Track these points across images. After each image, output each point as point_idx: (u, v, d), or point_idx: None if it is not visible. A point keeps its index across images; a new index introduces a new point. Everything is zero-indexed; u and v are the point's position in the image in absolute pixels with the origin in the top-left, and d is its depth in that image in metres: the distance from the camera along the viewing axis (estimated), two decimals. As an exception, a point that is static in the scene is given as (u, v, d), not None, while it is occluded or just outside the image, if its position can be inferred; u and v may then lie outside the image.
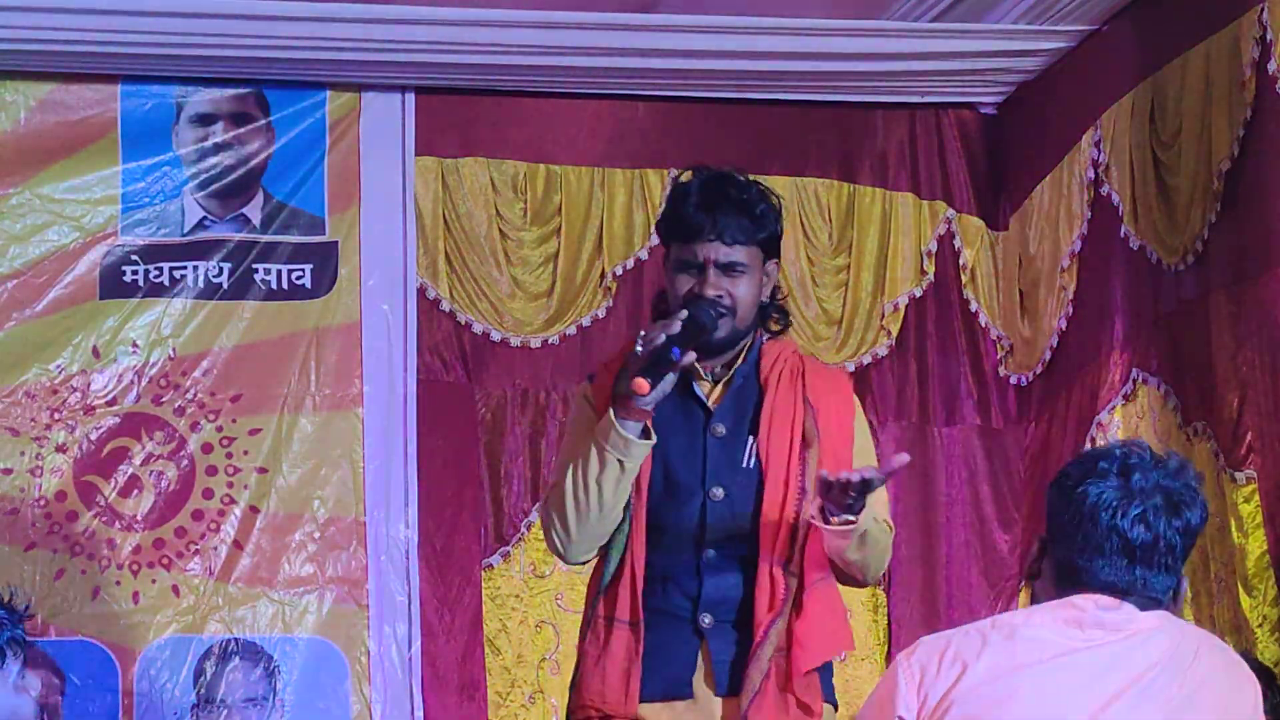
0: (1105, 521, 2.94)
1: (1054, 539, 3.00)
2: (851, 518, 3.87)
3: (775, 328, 4.14)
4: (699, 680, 3.97)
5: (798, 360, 4.10)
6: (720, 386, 4.05)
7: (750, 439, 4.02)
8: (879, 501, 3.99)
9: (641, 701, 3.95)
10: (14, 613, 4.22)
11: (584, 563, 4.07)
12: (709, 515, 3.99)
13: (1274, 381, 5.11)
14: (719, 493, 4.00)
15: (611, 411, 3.90)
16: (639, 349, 3.90)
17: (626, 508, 3.97)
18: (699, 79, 6.39)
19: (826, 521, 3.89)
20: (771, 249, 4.10)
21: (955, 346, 6.54)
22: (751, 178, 4.14)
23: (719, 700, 3.97)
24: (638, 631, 3.93)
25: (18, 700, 4.10)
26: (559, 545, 4.00)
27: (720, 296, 3.99)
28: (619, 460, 3.90)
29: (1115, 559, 2.95)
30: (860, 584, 4.13)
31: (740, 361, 4.07)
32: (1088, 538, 2.95)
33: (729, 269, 4.02)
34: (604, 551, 4.02)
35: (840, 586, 4.09)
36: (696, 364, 3.97)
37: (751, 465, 4.02)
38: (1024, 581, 6.31)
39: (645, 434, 3.92)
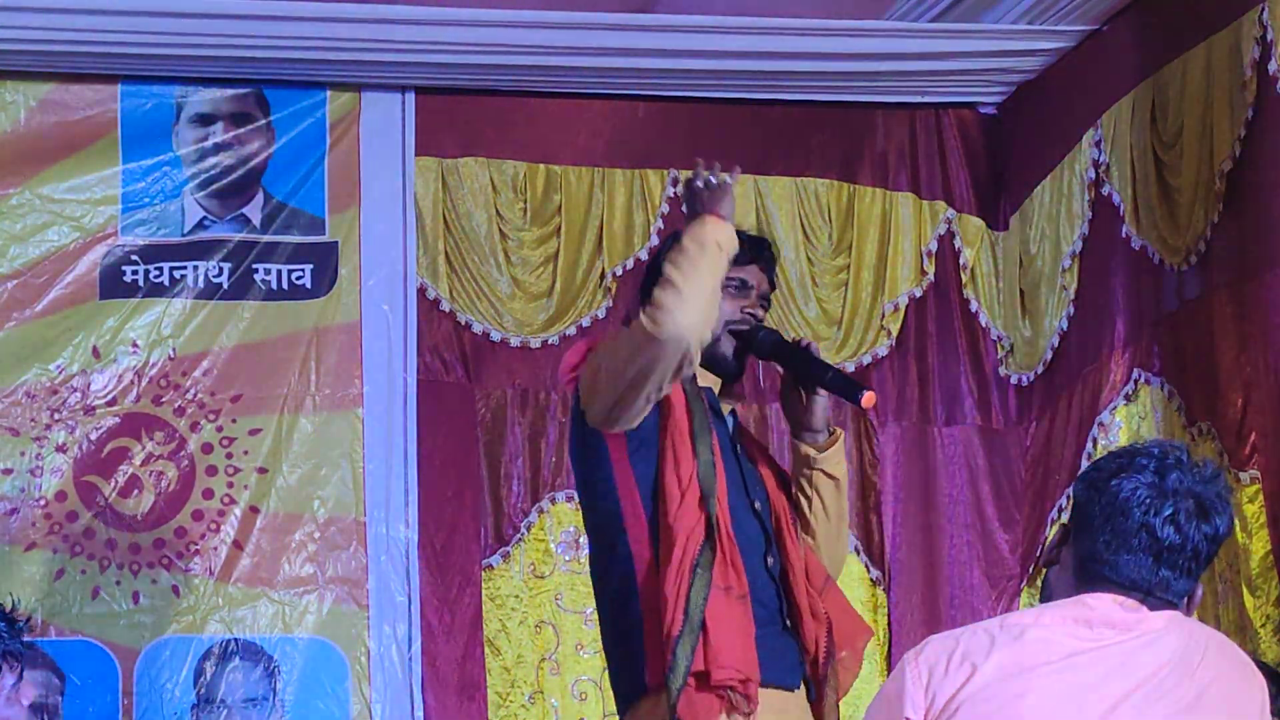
0: (1137, 518, 2.93)
1: (1079, 530, 3.00)
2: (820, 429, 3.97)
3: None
4: (798, 678, 4.01)
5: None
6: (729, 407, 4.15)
7: (752, 465, 4.09)
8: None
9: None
10: (13, 624, 4.22)
11: (685, 346, 3.82)
12: (765, 523, 4.03)
13: (1277, 381, 5.12)
14: (759, 506, 4.04)
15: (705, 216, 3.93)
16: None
17: (714, 493, 3.92)
18: (699, 79, 6.39)
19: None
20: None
21: (956, 346, 6.54)
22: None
23: (808, 703, 4.01)
24: (748, 605, 3.89)
25: (9, 712, 4.11)
26: (669, 307, 3.80)
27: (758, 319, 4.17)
28: (717, 243, 3.89)
29: (1141, 556, 2.94)
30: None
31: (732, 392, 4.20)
32: (1117, 531, 2.94)
33: (763, 301, 4.21)
34: (700, 518, 3.90)
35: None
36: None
37: (762, 495, 4.08)
38: (1032, 573, 6.32)
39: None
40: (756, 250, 4.17)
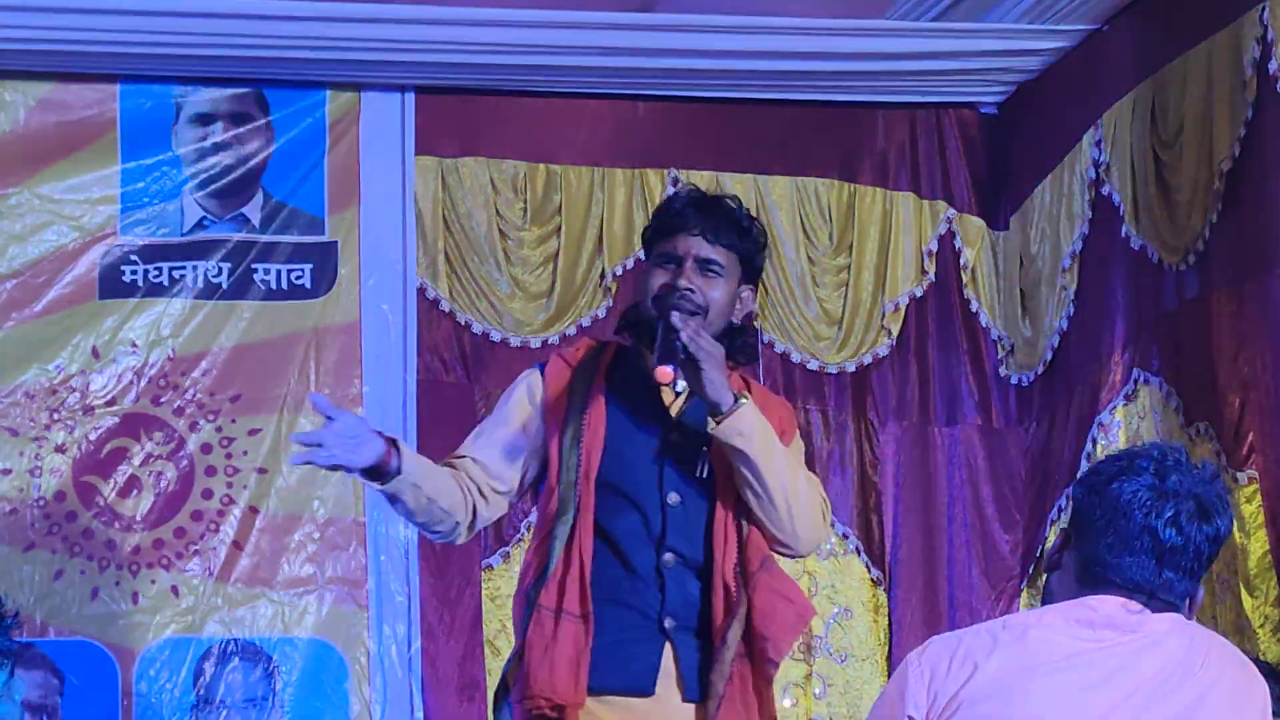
0: (1139, 520, 2.93)
1: (1080, 534, 2.99)
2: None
3: (740, 360, 4.11)
4: (664, 682, 3.95)
5: (743, 383, 4.09)
6: (682, 396, 4.02)
7: (705, 449, 3.99)
8: (788, 459, 4.00)
9: (595, 693, 3.91)
10: (1, 621, 4.22)
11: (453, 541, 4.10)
12: (668, 520, 3.98)
13: (1276, 381, 5.11)
14: (675, 498, 3.99)
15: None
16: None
17: (574, 503, 3.94)
18: (699, 79, 6.39)
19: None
20: (751, 272, 4.10)
21: (956, 346, 6.54)
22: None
23: (688, 706, 3.95)
24: (587, 624, 3.90)
25: (2, 709, 4.11)
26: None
27: (692, 291, 3.98)
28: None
29: (1144, 559, 2.94)
30: (788, 548, 4.05)
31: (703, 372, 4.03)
32: (1119, 534, 2.94)
33: (706, 267, 4.01)
34: (545, 543, 3.97)
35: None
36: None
37: (705, 475, 4.00)
38: (1032, 574, 6.31)
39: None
40: (682, 219, 4.04)
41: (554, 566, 3.93)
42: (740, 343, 4.09)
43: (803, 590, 4.18)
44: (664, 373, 3.83)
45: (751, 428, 3.90)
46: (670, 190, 6.35)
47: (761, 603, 3.96)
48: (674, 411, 4.03)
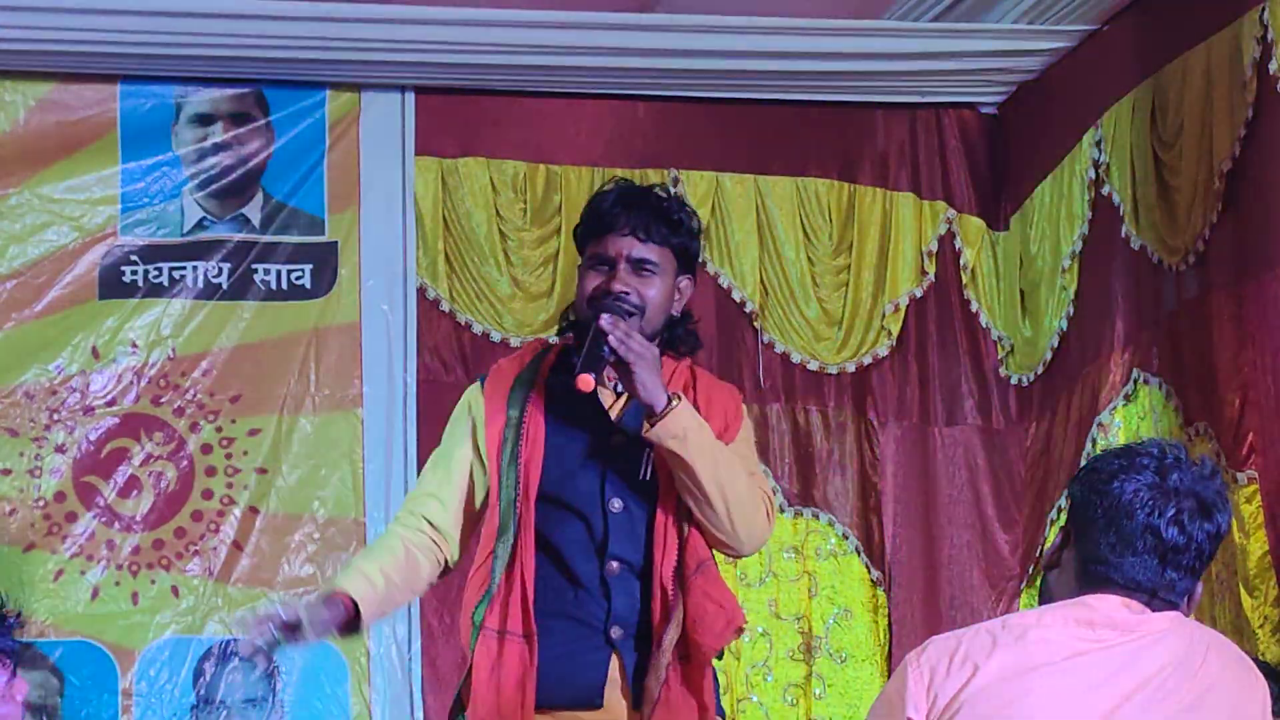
0: (1141, 519, 2.92)
1: (1080, 533, 2.98)
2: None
3: (683, 350, 4.03)
4: (612, 692, 3.89)
5: (689, 373, 4.01)
6: (623, 399, 3.93)
7: (648, 451, 3.91)
8: (729, 458, 3.92)
9: (543, 709, 3.86)
10: (3, 621, 4.21)
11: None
12: (610, 527, 3.90)
13: (1275, 382, 5.11)
14: (618, 504, 3.91)
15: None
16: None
17: (514, 521, 3.88)
18: (699, 79, 6.39)
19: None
20: (686, 262, 4.00)
21: (956, 347, 6.54)
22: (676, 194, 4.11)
23: (638, 714, 3.90)
24: (531, 643, 3.84)
25: (4, 709, 4.10)
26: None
27: (627, 293, 3.89)
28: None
29: (1147, 558, 2.93)
30: (729, 548, 3.97)
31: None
32: (1120, 533, 2.93)
33: (640, 266, 3.91)
34: (486, 562, 3.90)
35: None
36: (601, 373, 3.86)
37: (648, 478, 3.92)
38: (1032, 574, 6.31)
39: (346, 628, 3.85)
40: (611, 219, 3.93)
41: (495, 588, 3.87)
42: (681, 333, 4.01)
43: (736, 597, 4.11)
44: (585, 380, 3.75)
45: (685, 429, 3.82)
46: (671, 190, 6.35)
47: (694, 607, 3.90)
48: (614, 414, 3.93)
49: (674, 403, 3.82)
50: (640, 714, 3.89)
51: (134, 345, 6.17)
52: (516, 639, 3.86)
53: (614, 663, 3.91)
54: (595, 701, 3.89)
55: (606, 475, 3.92)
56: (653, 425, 3.82)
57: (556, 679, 3.87)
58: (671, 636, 3.88)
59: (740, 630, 4.05)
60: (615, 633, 3.90)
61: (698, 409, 3.92)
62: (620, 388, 3.90)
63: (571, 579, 3.90)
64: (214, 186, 6.28)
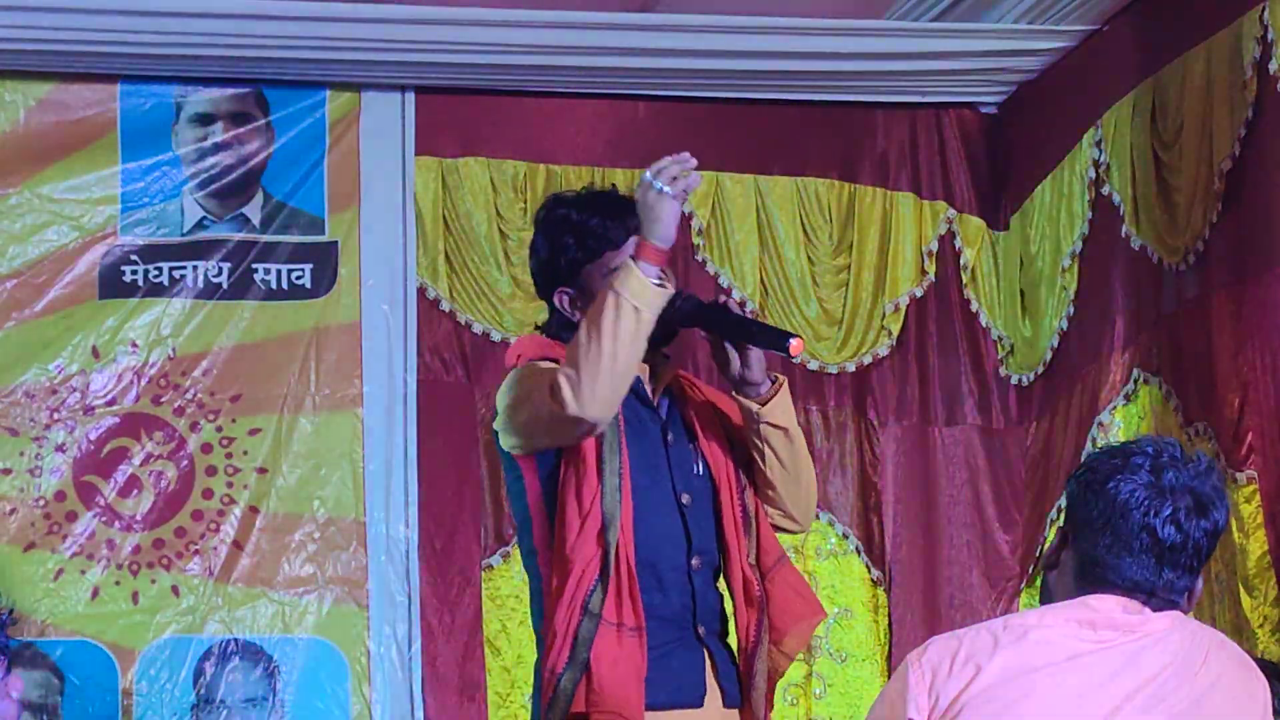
0: (1137, 519, 2.92)
1: (1078, 533, 2.98)
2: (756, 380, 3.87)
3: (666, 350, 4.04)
4: (709, 690, 3.89)
5: (674, 369, 4.03)
6: (657, 395, 3.95)
7: (692, 445, 3.94)
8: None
9: (650, 709, 3.81)
10: (-3, 619, 4.21)
11: (591, 424, 3.69)
12: (689, 522, 3.90)
13: (1275, 382, 5.12)
14: (688, 499, 3.92)
15: (631, 258, 3.69)
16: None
17: (618, 511, 3.81)
18: (699, 79, 6.39)
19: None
20: None
21: (956, 346, 6.55)
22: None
23: (732, 712, 3.91)
24: (642, 638, 3.80)
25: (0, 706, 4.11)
26: (568, 392, 3.63)
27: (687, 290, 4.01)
28: (634, 307, 3.64)
29: (1144, 558, 2.93)
30: (795, 524, 4.01)
31: (664, 368, 3.98)
32: (1117, 534, 2.93)
33: None
34: (597, 552, 3.81)
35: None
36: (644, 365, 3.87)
37: (702, 471, 3.95)
38: (1032, 574, 6.31)
39: (661, 282, 3.71)
40: (623, 228, 3.88)
41: (606, 575, 3.78)
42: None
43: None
44: (799, 345, 3.80)
45: (790, 403, 3.89)
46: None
47: (780, 595, 3.93)
48: (663, 414, 3.95)
49: (779, 377, 3.90)
50: (744, 712, 3.90)
51: (134, 345, 6.17)
52: (632, 633, 3.79)
53: (706, 661, 3.91)
54: (697, 702, 3.87)
55: (673, 470, 3.93)
56: (765, 403, 3.87)
57: (659, 679, 3.82)
58: (764, 632, 3.89)
59: (819, 622, 4.08)
60: (701, 630, 3.90)
61: (712, 403, 3.99)
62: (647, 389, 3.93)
63: (656, 577, 3.87)
64: (214, 186, 6.28)
